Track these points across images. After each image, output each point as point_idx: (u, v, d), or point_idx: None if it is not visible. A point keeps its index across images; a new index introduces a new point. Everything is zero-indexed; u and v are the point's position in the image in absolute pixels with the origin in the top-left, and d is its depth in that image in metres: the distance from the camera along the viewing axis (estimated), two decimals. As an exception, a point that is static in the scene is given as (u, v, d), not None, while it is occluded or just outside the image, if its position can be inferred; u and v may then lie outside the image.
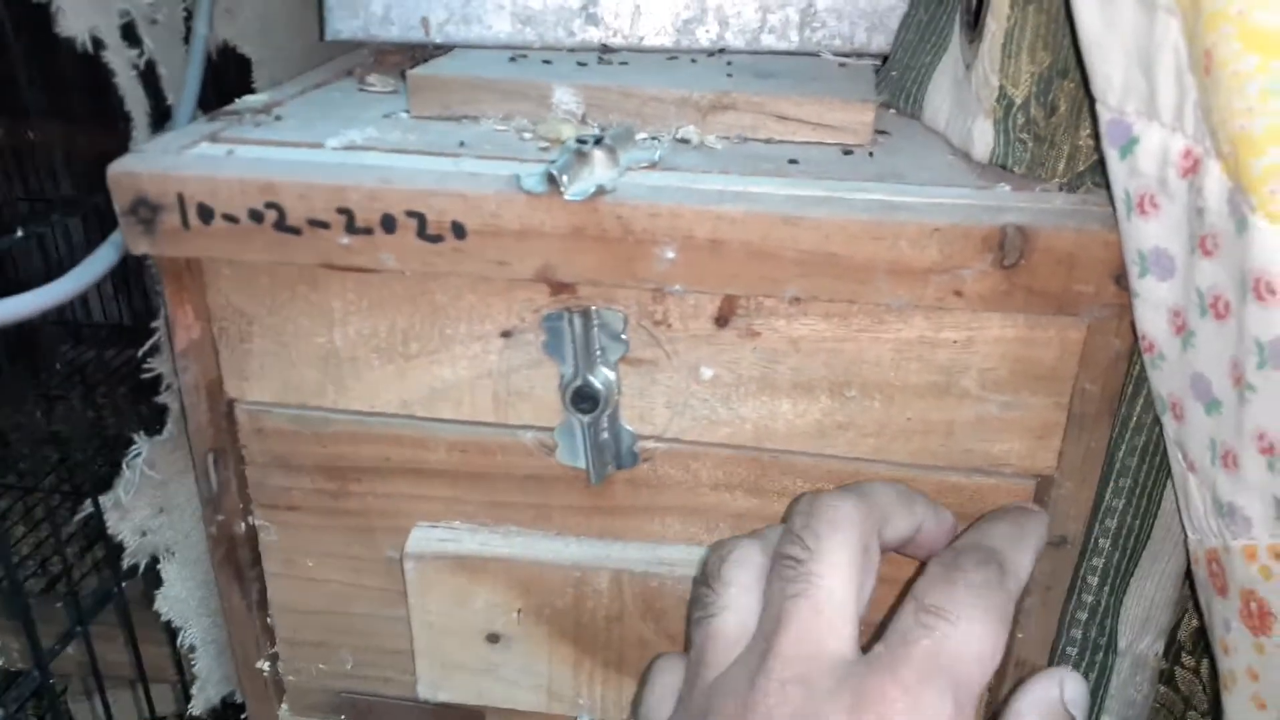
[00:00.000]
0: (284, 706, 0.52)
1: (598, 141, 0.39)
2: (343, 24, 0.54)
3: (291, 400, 0.45)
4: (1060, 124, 0.39)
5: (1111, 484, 0.40)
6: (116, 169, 0.39)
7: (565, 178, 0.37)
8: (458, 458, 0.44)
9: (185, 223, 0.40)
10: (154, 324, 0.48)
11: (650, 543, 0.44)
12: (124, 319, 1.42)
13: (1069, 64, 0.39)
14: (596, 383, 0.41)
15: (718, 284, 0.38)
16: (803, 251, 0.36)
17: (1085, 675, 0.43)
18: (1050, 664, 0.44)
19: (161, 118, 0.49)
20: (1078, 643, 0.42)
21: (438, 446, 0.44)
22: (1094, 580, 0.41)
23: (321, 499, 0.46)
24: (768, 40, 0.54)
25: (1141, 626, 0.43)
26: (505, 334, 0.42)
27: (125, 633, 0.53)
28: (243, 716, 0.55)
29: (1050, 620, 0.43)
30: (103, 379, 1.36)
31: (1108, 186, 0.38)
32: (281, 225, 0.39)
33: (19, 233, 0.44)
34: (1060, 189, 0.40)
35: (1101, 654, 0.42)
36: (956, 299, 0.37)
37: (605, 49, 0.53)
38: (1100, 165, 0.40)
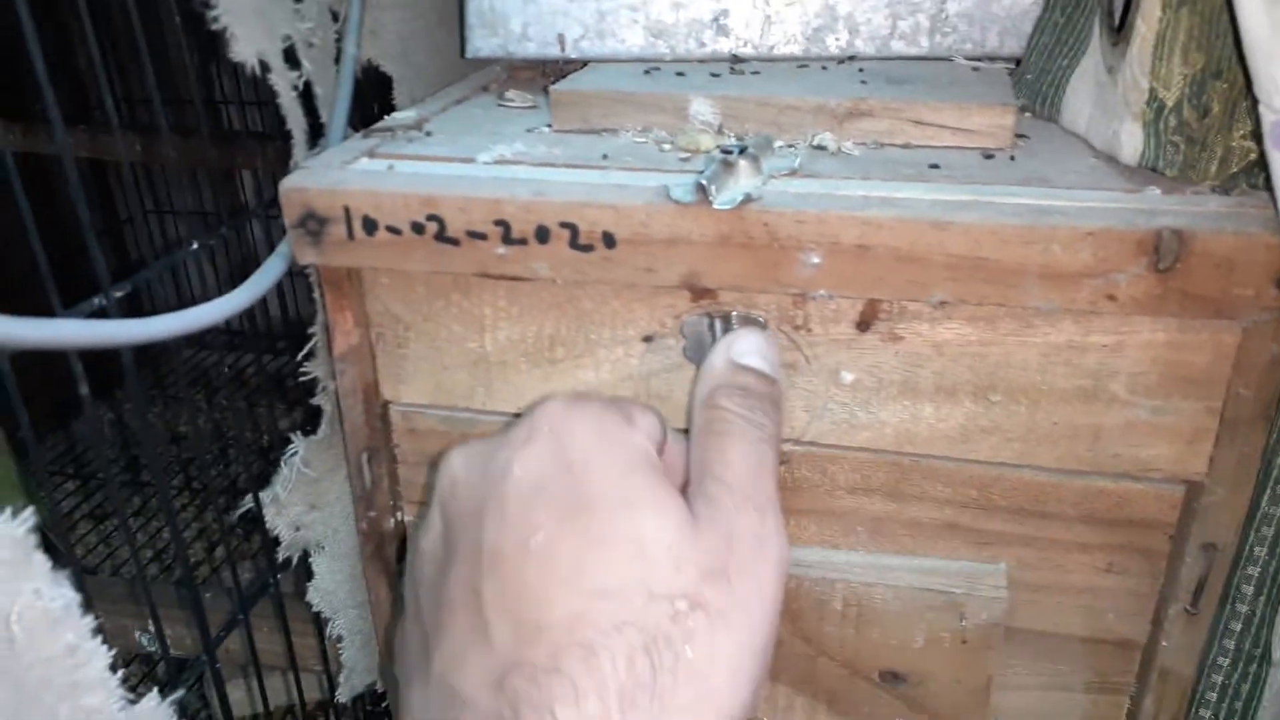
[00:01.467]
0: (426, 696, 0.55)
1: (742, 151, 0.40)
2: (483, 42, 0.56)
3: (443, 402, 0.47)
4: (1213, 126, 0.39)
5: (1269, 491, 0.39)
6: (288, 185, 0.42)
7: (714, 187, 0.38)
8: None
9: (350, 234, 0.42)
10: (310, 330, 0.51)
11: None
12: (237, 325, 1.49)
13: (1223, 65, 0.38)
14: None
15: (862, 289, 0.38)
16: (951, 256, 0.37)
17: (1238, 687, 0.42)
18: (1200, 677, 0.43)
19: (315, 133, 0.52)
20: (1230, 653, 0.42)
21: None
22: (1249, 590, 0.40)
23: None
24: (898, 46, 0.54)
25: (1298, 638, 0.42)
26: (647, 339, 0.43)
27: (279, 622, 0.56)
28: (384, 704, 0.57)
29: (1200, 629, 0.42)
30: (248, 381, 1.43)
31: (1265, 188, 0.38)
32: (442, 236, 0.41)
33: (194, 245, 0.47)
34: (1213, 191, 0.39)
35: (1256, 665, 0.41)
36: (1109, 303, 0.37)
37: (736, 59, 0.54)
38: (1254, 168, 0.39)
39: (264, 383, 1.38)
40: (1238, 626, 0.41)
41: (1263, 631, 0.41)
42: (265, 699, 0.59)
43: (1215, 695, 0.42)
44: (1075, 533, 0.42)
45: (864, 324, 0.40)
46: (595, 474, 0.32)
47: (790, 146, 0.45)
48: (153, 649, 0.75)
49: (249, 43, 0.45)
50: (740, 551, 0.32)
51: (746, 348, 0.38)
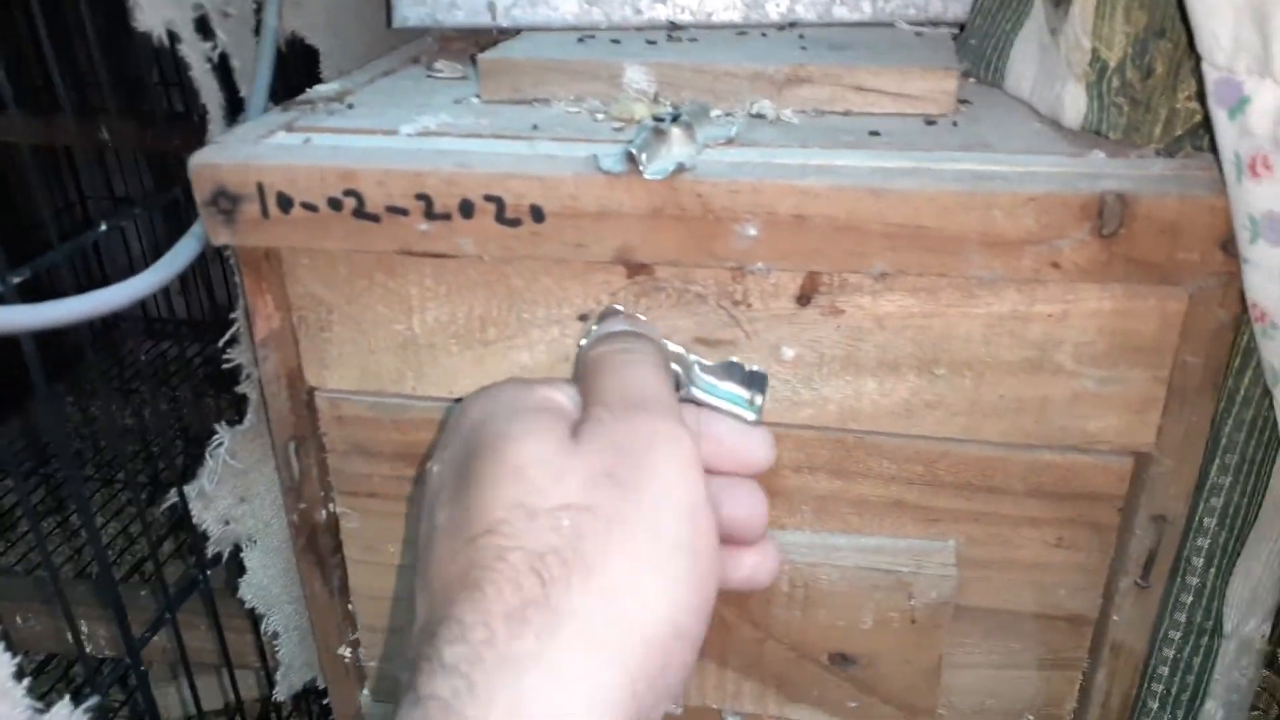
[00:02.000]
0: (365, 692, 0.53)
1: (675, 119, 0.38)
2: (410, 10, 0.54)
3: (370, 387, 0.45)
4: (1157, 87, 0.38)
5: (1217, 461, 0.39)
6: (197, 161, 0.40)
7: (644, 156, 0.36)
8: None
9: (265, 212, 0.40)
10: (232, 315, 0.48)
11: None
12: (196, 314, 1.45)
13: (1166, 24, 0.37)
14: (678, 368, 0.40)
15: (801, 261, 0.37)
16: (891, 225, 0.35)
17: (1190, 659, 0.41)
18: (1152, 651, 0.42)
19: (234, 109, 0.49)
20: (1181, 626, 0.41)
21: None
22: (1199, 561, 0.40)
23: (402, 485, 0.46)
24: (840, 12, 0.52)
25: (1248, 608, 0.41)
26: (582, 317, 0.41)
27: (210, 619, 0.54)
28: (325, 702, 0.55)
29: (1150, 603, 0.41)
30: (177, 373, 1.39)
31: (1210, 150, 0.37)
32: (360, 213, 0.39)
33: (102, 227, 0.45)
34: (1157, 154, 0.38)
35: (1207, 638, 0.41)
36: (1053, 270, 0.35)
37: (674, 26, 0.53)
38: (1199, 129, 0.38)
39: (215, 373, 1.35)
40: (1188, 599, 0.40)
41: (1213, 603, 0.40)
42: (197, 699, 0.57)
43: (1167, 669, 0.42)
44: (1024, 508, 0.41)
45: (804, 298, 0.39)
46: (484, 428, 0.32)
47: (728, 115, 0.43)
48: (88, 648, 0.73)
49: (154, 11, 0.43)
50: (630, 452, 0.30)
51: (613, 322, 0.38)
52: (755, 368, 0.38)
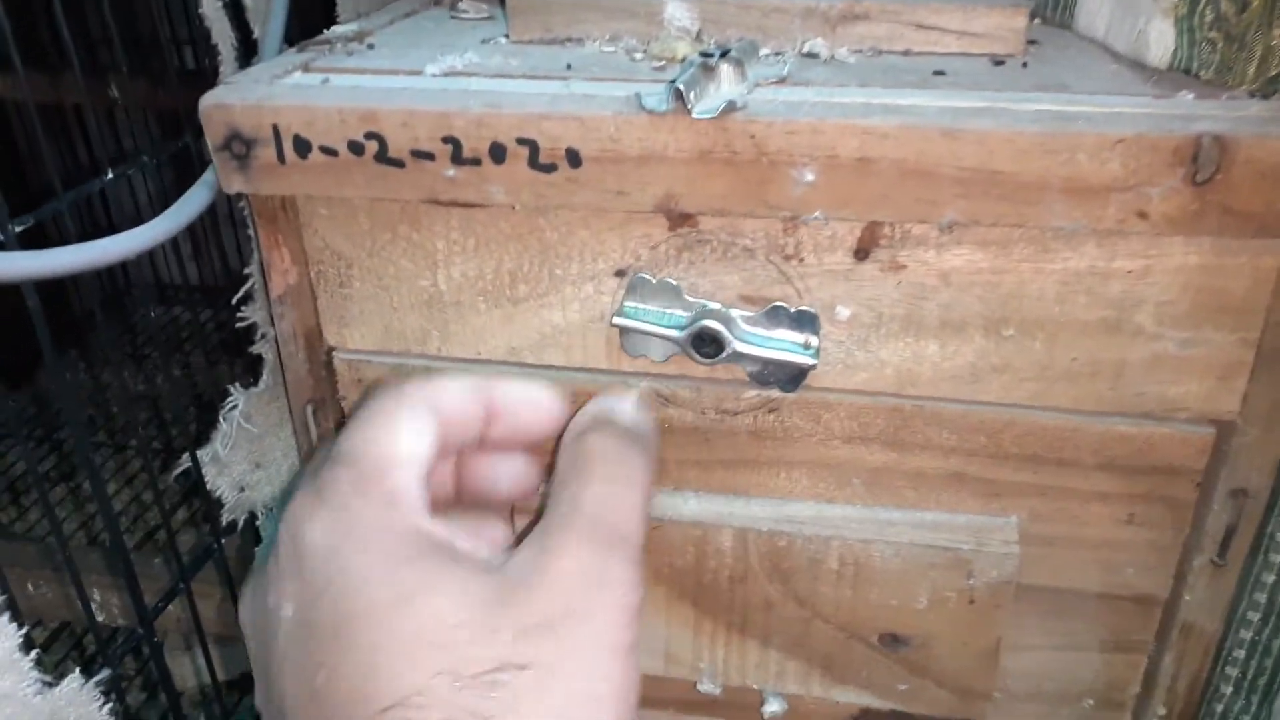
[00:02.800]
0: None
1: (724, 55, 0.35)
2: (432, -52, 0.50)
3: (394, 347, 0.42)
4: (1252, 21, 0.34)
5: (1310, 431, 0.36)
6: (209, 101, 0.37)
7: (692, 94, 0.33)
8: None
9: (281, 157, 0.37)
10: (246, 271, 0.46)
11: (776, 499, 0.41)
12: (209, 279, 1.42)
13: (1266, -50, 0.34)
14: (718, 324, 0.37)
15: (863, 209, 0.34)
16: (964, 169, 0.32)
17: (1269, 643, 0.39)
18: (1227, 634, 0.39)
19: (248, 54, 0.47)
20: (1261, 607, 0.38)
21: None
22: (1285, 538, 0.37)
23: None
24: (892, -50, 0.49)
25: (1333, 589, 0.38)
26: (619, 273, 0.38)
27: (225, 589, 0.52)
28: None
29: (1227, 582, 0.39)
30: (190, 338, 1.37)
31: (1312, 90, 0.34)
32: (383, 157, 0.36)
33: (109, 174, 0.42)
34: (1250, 95, 0.35)
35: (1290, 620, 0.38)
36: (1139, 221, 0.32)
37: (714, -35, 0.49)
38: (1298, 68, 0.35)
39: (228, 339, 1.33)
40: (1270, 579, 0.38)
41: (1298, 583, 0.37)
42: (212, 669, 0.55)
43: (1244, 652, 0.39)
44: (1093, 481, 0.38)
45: (862, 251, 0.36)
46: (357, 584, 0.27)
47: (777, 54, 0.40)
48: (101, 617, 0.71)
49: (161, -59, 0.40)
50: (572, 597, 0.27)
51: (619, 402, 0.34)
52: (803, 307, 0.36)
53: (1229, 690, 0.40)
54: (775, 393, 0.39)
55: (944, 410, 0.38)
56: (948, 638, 0.40)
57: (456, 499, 0.35)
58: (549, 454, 0.34)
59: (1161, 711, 0.41)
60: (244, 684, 0.82)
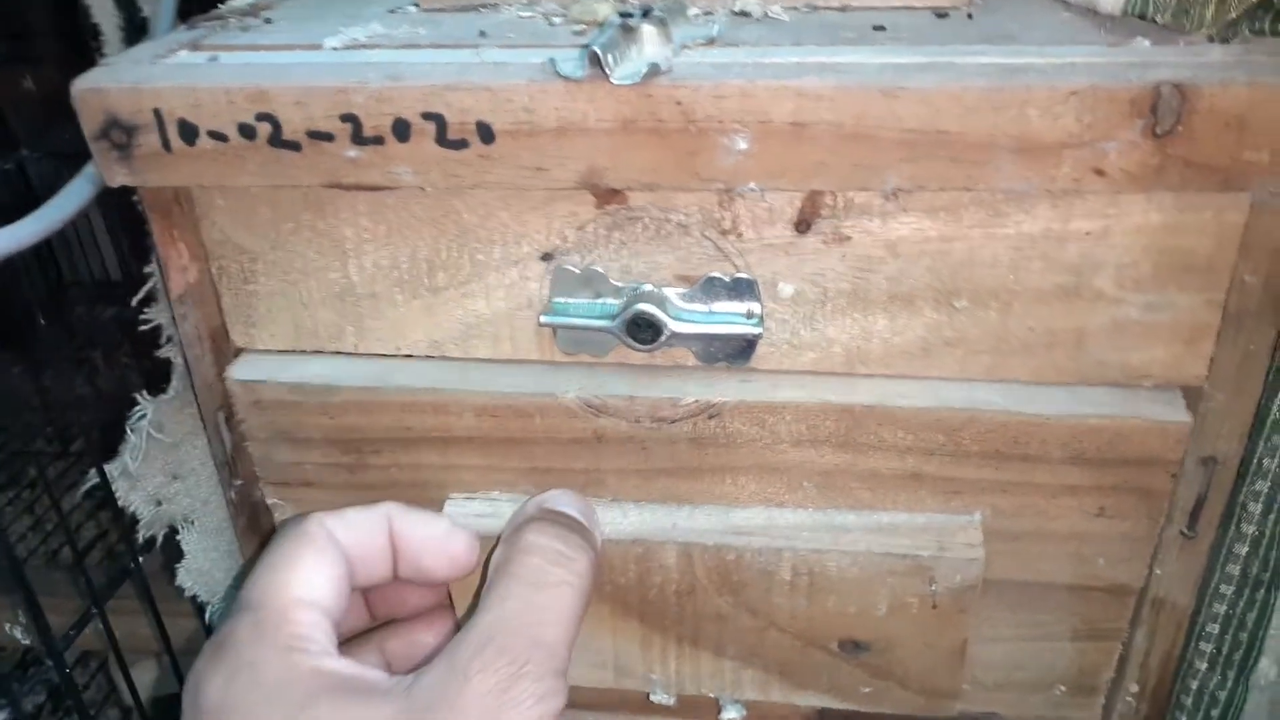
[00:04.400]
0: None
1: (646, 14, 0.32)
2: (335, -88, 0.47)
3: (306, 346, 0.39)
4: (1209, -40, 0.32)
5: (1280, 395, 0.34)
6: (81, 86, 0.33)
7: (610, 58, 0.30)
8: (489, 423, 0.37)
9: (166, 144, 0.34)
10: (147, 269, 0.42)
11: (722, 506, 0.38)
12: (115, 274, 1.36)
13: (1220, -118, 0.31)
14: (652, 307, 0.35)
15: (801, 178, 0.31)
16: (907, 131, 0.30)
17: (1243, 616, 0.37)
18: (1200, 608, 0.38)
19: (137, 33, 0.43)
20: (1234, 580, 0.36)
21: (463, 412, 0.37)
22: (1256, 508, 0.35)
23: (338, 473, 0.40)
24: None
25: (1307, 557, 0.37)
26: (546, 256, 0.36)
27: (148, 610, 0.48)
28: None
29: (1197, 555, 0.37)
30: (93, 337, 1.31)
31: (1271, 32, 0.31)
32: (278, 140, 0.33)
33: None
34: (1210, 41, 0.33)
35: (1263, 591, 0.36)
36: (1096, 179, 0.30)
37: (638, -78, 0.46)
38: (1256, 10, 0.33)
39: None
40: (1243, 550, 0.36)
41: (1271, 553, 0.36)
42: (134, 690, 0.52)
43: (1218, 626, 0.37)
44: (1061, 475, 0.35)
45: (803, 224, 0.33)
46: None
47: (707, 14, 0.37)
48: (26, 640, 0.67)
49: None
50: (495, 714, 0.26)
51: (558, 498, 0.34)
52: (739, 274, 0.33)
53: (1203, 666, 0.38)
54: (715, 398, 0.36)
55: (898, 410, 0.35)
56: (911, 642, 0.37)
57: (372, 619, 0.36)
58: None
59: (1134, 689, 0.40)
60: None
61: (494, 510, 0.38)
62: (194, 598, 0.49)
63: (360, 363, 0.38)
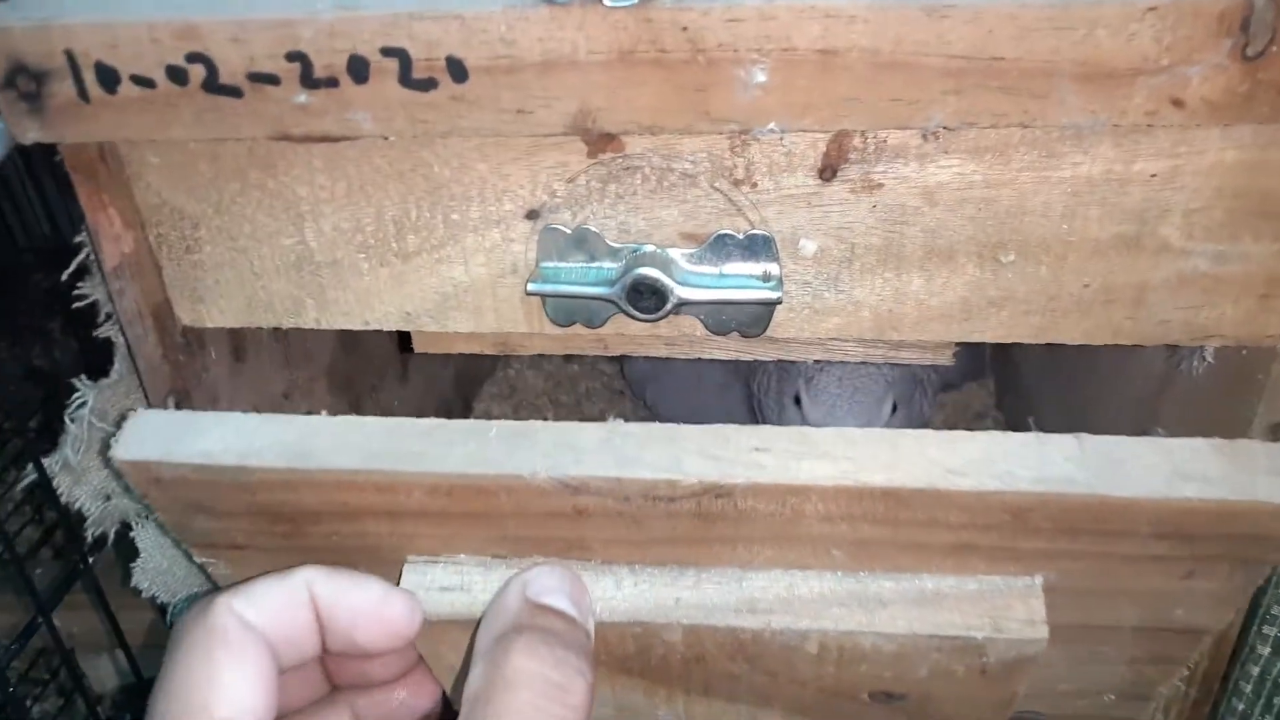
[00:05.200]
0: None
1: (642, -74, 0.27)
2: None
3: (262, 321, 0.34)
4: None
5: (1367, 354, 0.30)
6: (-22, 24, 0.28)
7: (603, -23, 0.25)
8: (444, 501, 0.29)
9: (83, 93, 0.29)
10: (78, 239, 0.37)
11: (734, 570, 0.31)
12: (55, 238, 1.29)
13: None
14: (655, 271, 0.31)
15: (828, 117, 0.27)
16: (954, 57, 0.25)
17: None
18: (1266, 588, 0.34)
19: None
20: (1304, 560, 0.33)
21: (412, 490, 0.29)
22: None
23: (272, 539, 0.32)
24: None
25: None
26: (531, 215, 0.31)
27: (102, 611, 0.44)
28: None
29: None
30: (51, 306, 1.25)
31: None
32: (214, 85, 0.28)
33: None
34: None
35: (1336, 571, 0.33)
36: (1173, 111, 0.26)
37: None
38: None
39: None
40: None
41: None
42: (84, 692, 0.48)
43: (1284, 610, 0.34)
44: (1147, 548, 0.29)
45: (828, 170, 0.29)
46: None
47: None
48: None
49: None
50: None
51: (547, 584, 0.28)
52: (754, 231, 0.29)
53: (1266, 651, 0.35)
54: (723, 478, 0.28)
55: (955, 494, 0.27)
56: (953, 697, 0.32)
57: (332, 685, 0.31)
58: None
59: (1183, 673, 0.36)
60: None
61: (461, 581, 0.31)
62: (153, 598, 0.44)
63: (275, 428, 0.30)
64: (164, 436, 0.30)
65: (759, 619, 0.30)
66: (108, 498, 0.42)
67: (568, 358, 0.80)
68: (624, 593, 0.30)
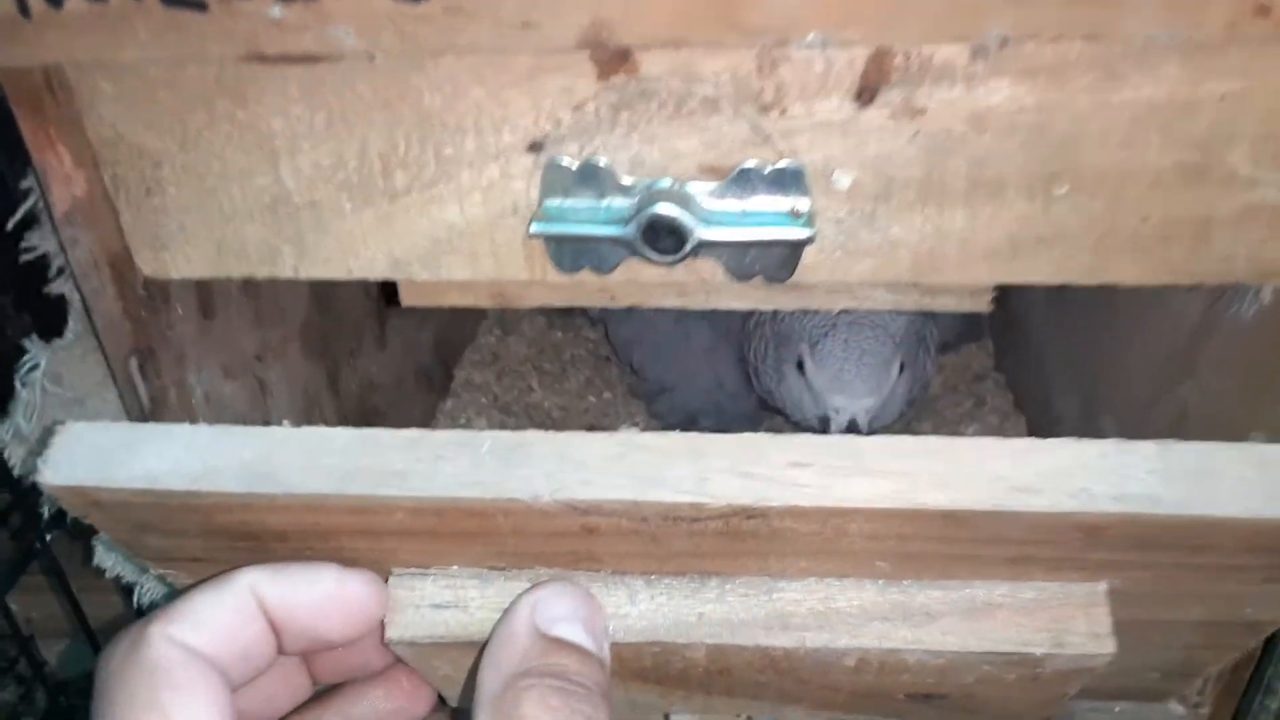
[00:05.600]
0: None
1: None
2: None
3: (234, 271, 0.31)
4: None
5: None
6: (-102, -73, 0.25)
7: None
8: (430, 521, 0.25)
9: (23, 6, 0.25)
10: (24, 183, 0.34)
11: (764, 580, 0.27)
12: None
13: None
14: (674, 207, 0.28)
15: (872, 28, 0.24)
16: (1020, -44, 0.23)
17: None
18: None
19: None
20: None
21: (393, 513, 0.25)
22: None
23: (235, 553, 0.27)
24: None
25: None
26: (534, 147, 0.28)
27: (62, 593, 0.41)
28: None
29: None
30: None
31: None
32: (173, -4, 0.25)
33: None
34: None
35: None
36: (1257, 21, 0.23)
37: None
38: None
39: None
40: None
41: None
42: (43, 678, 0.45)
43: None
44: (1228, 558, 0.26)
45: (866, 93, 0.26)
46: None
47: None
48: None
49: None
50: None
51: (558, 612, 0.25)
52: (783, 163, 0.26)
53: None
54: (755, 501, 0.24)
55: (1025, 515, 0.23)
56: (999, 698, 0.29)
57: (315, 682, 0.29)
58: None
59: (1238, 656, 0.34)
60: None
61: (455, 596, 0.27)
62: (117, 578, 0.41)
63: (230, 442, 0.25)
64: (100, 455, 0.25)
65: (792, 636, 0.26)
66: (65, 470, 0.39)
67: (551, 324, 0.77)
68: (639, 608, 0.27)
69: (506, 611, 0.26)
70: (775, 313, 0.59)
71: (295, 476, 0.24)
